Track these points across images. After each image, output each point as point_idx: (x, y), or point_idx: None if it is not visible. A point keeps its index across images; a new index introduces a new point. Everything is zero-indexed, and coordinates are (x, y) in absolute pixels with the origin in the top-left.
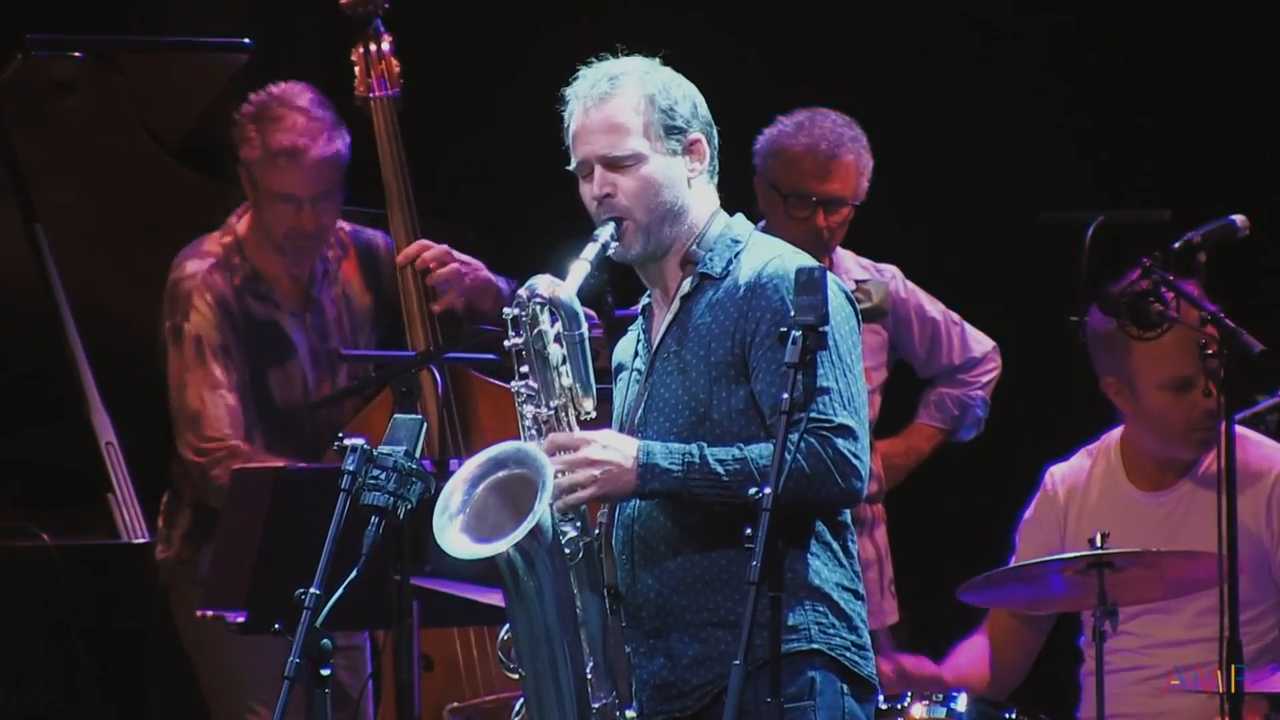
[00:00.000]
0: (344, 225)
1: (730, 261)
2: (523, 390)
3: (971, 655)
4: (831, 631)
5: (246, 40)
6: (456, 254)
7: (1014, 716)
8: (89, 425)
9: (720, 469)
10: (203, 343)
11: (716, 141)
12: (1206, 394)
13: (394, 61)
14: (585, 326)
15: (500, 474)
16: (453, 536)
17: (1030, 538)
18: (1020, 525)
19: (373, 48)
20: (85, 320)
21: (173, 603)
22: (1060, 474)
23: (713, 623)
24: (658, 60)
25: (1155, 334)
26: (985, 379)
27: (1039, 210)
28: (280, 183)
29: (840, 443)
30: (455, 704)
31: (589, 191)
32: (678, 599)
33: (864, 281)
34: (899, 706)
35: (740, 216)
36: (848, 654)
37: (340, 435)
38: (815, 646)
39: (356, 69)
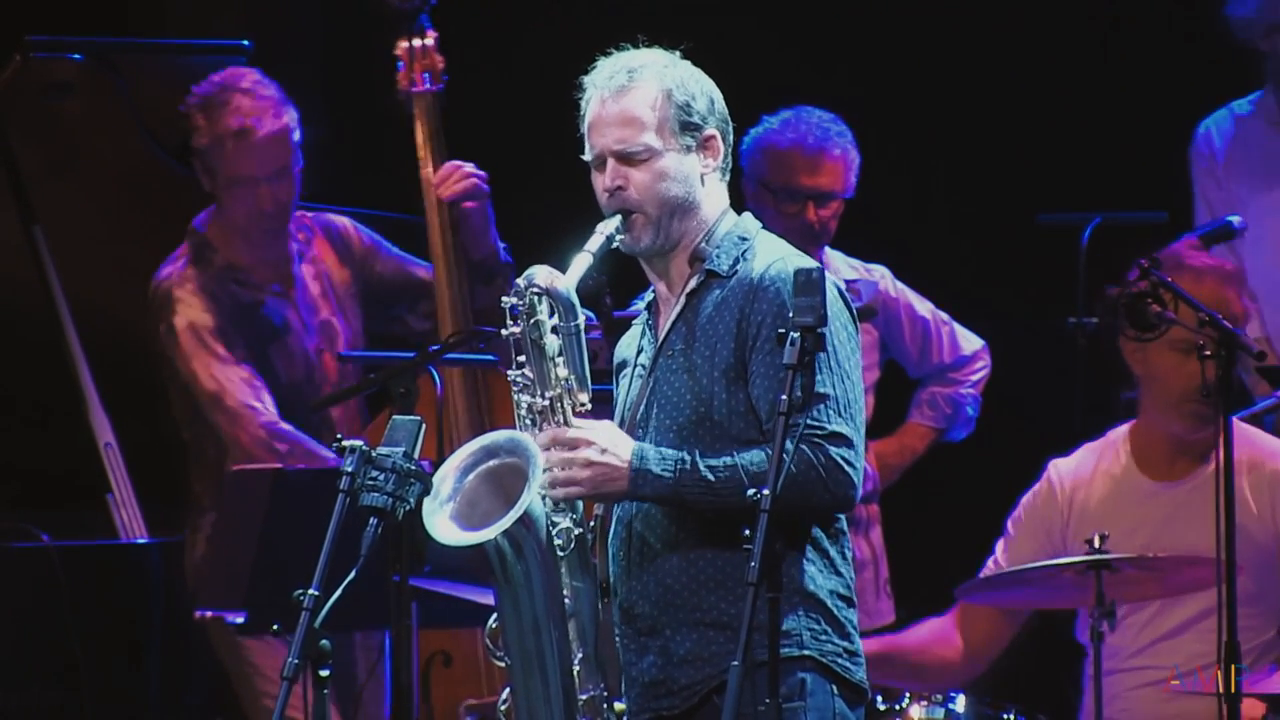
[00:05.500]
0: (305, 213)
1: (737, 260)
2: (519, 379)
3: (935, 634)
4: (824, 638)
5: (245, 42)
6: (483, 186)
7: (1012, 717)
8: (88, 426)
9: (711, 475)
10: (197, 328)
11: (732, 139)
12: (1205, 395)
13: (438, 57)
14: (581, 318)
15: (492, 462)
16: (442, 524)
17: (1026, 528)
18: (1014, 513)
19: (417, 43)
20: (84, 321)
21: (199, 602)
22: (1065, 467)
23: (706, 623)
24: (678, 54)
25: (1153, 335)
26: (975, 377)
27: (1037, 211)
28: (233, 165)
29: (833, 450)
30: (472, 701)
31: (601, 183)
32: (673, 598)
33: (854, 281)
34: (897, 707)
35: (749, 215)
36: (839, 660)
37: (339, 436)
38: (807, 653)
39: (400, 64)
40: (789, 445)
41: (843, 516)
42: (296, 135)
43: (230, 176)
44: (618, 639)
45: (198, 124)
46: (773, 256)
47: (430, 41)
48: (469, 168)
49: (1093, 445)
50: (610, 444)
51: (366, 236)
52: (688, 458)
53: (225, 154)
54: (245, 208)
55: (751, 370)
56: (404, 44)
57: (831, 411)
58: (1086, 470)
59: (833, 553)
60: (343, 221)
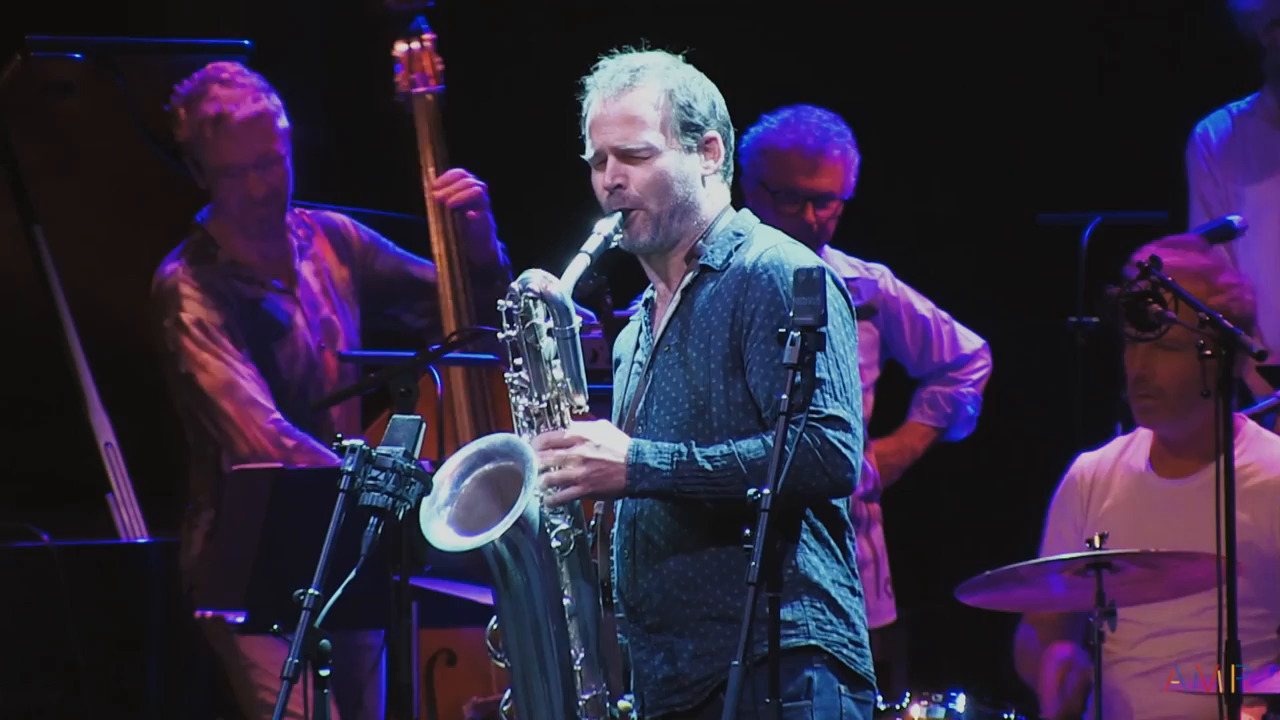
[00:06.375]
0: (304, 211)
1: (731, 254)
2: (516, 382)
3: (1038, 662)
4: (829, 628)
5: (246, 41)
6: (484, 195)
7: (1012, 716)
8: (88, 426)
9: (709, 465)
10: (205, 324)
11: (733, 142)
12: (1205, 394)
13: (436, 59)
14: (577, 321)
15: (488, 466)
16: (439, 529)
17: (1056, 524)
18: (1049, 510)
19: (414, 45)
20: (84, 321)
21: (197, 601)
22: (1087, 461)
23: (713, 617)
24: (680, 57)
25: (1154, 335)
26: (975, 376)
27: (1037, 211)
28: (215, 153)
29: (829, 433)
30: (477, 699)
31: (600, 181)
32: (678, 595)
33: (854, 280)
34: (898, 706)
35: (746, 211)
36: (845, 651)
37: (339, 435)
38: (813, 642)
39: (399, 66)
40: (790, 437)
41: (844, 507)
42: (282, 122)
43: (215, 166)
44: (627, 639)
45: (179, 118)
46: (765, 245)
47: (428, 43)
48: (471, 177)
49: (1123, 438)
50: (605, 440)
51: (365, 234)
52: (684, 450)
53: (205, 142)
54: (236, 198)
55: (748, 359)
56: (401, 46)
57: (828, 395)
58: (1107, 463)
59: (834, 543)
60: (341, 219)
